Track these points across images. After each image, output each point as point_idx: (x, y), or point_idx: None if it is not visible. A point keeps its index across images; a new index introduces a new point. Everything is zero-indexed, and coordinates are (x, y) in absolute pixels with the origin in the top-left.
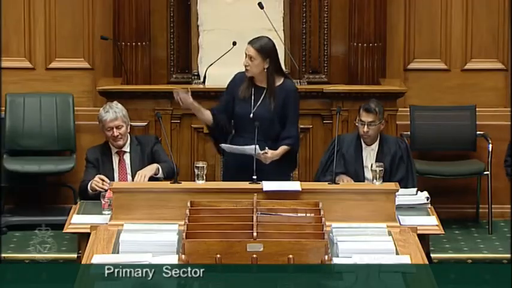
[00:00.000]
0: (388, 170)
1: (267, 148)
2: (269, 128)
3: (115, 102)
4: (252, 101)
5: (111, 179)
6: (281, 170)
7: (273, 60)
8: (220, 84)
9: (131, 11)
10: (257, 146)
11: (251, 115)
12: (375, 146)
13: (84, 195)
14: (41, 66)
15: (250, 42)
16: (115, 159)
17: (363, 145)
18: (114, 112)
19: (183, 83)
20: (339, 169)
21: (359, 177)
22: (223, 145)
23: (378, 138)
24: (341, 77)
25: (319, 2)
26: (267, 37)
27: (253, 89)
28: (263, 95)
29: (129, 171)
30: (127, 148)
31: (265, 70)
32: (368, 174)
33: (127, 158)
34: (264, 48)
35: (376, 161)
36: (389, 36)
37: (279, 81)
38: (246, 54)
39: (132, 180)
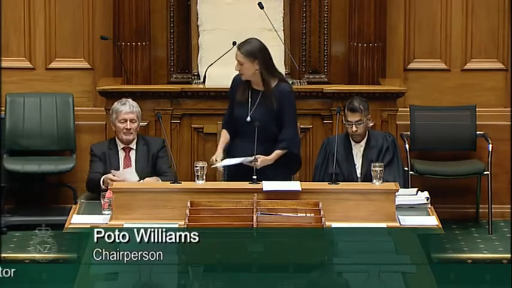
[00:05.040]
0: (375, 161)
1: (257, 156)
2: (266, 130)
3: (129, 99)
4: (249, 104)
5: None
6: (279, 173)
7: (262, 61)
8: (220, 84)
9: (131, 11)
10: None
11: (248, 118)
12: (363, 143)
13: (94, 188)
14: (41, 66)
15: (238, 47)
16: (121, 155)
17: (352, 143)
18: (131, 106)
19: (183, 83)
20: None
21: (352, 176)
22: (218, 165)
23: (366, 135)
24: (341, 77)
25: (319, 2)
26: (255, 39)
27: (250, 92)
28: (259, 98)
29: (134, 169)
30: (133, 145)
31: (258, 72)
32: (359, 172)
33: (133, 155)
34: (250, 51)
35: (363, 156)
36: (390, 36)
37: (274, 83)
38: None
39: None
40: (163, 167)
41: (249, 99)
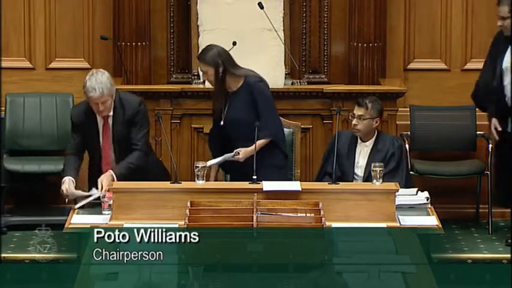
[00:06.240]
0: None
1: (238, 150)
2: (244, 130)
3: (101, 71)
4: (223, 107)
5: (96, 144)
6: (266, 162)
7: (223, 64)
8: None
9: (131, 11)
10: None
11: (221, 122)
12: (370, 143)
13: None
14: (41, 66)
15: (197, 57)
16: (100, 123)
17: (358, 141)
18: (100, 89)
19: (183, 83)
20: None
21: (348, 173)
22: (208, 163)
23: (374, 136)
24: (341, 77)
25: (319, 2)
26: (212, 45)
27: (224, 97)
28: (229, 100)
29: (111, 136)
30: (111, 112)
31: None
32: (358, 170)
33: (111, 121)
34: (210, 58)
35: (368, 158)
36: (390, 36)
37: (239, 83)
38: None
39: (114, 148)
40: (136, 136)
41: (224, 104)
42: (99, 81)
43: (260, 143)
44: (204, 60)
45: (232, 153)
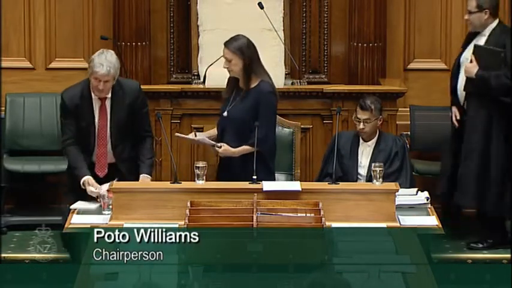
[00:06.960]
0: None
1: (222, 144)
2: (242, 129)
3: (110, 51)
4: (230, 100)
5: (91, 126)
6: (248, 172)
7: (249, 57)
8: (220, 84)
9: (131, 11)
10: (205, 137)
11: (225, 113)
12: (372, 143)
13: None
14: (41, 66)
15: (225, 44)
16: (96, 105)
17: (360, 141)
18: (108, 67)
19: (183, 83)
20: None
21: (351, 173)
22: (177, 134)
23: (376, 135)
24: (341, 77)
25: (319, 2)
26: (242, 35)
27: (234, 90)
28: (239, 96)
29: (109, 119)
30: (109, 94)
31: (244, 68)
32: (361, 170)
33: (108, 103)
34: (238, 47)
35: (371, 157)
36: (389, 36)
37: (255, 83)
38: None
39: (111, 130)
40: (145, 126)
41: (232, 97)
42: (109, 60)
43: (245, 148)
44: (232, 47)
45: (214, 143)
